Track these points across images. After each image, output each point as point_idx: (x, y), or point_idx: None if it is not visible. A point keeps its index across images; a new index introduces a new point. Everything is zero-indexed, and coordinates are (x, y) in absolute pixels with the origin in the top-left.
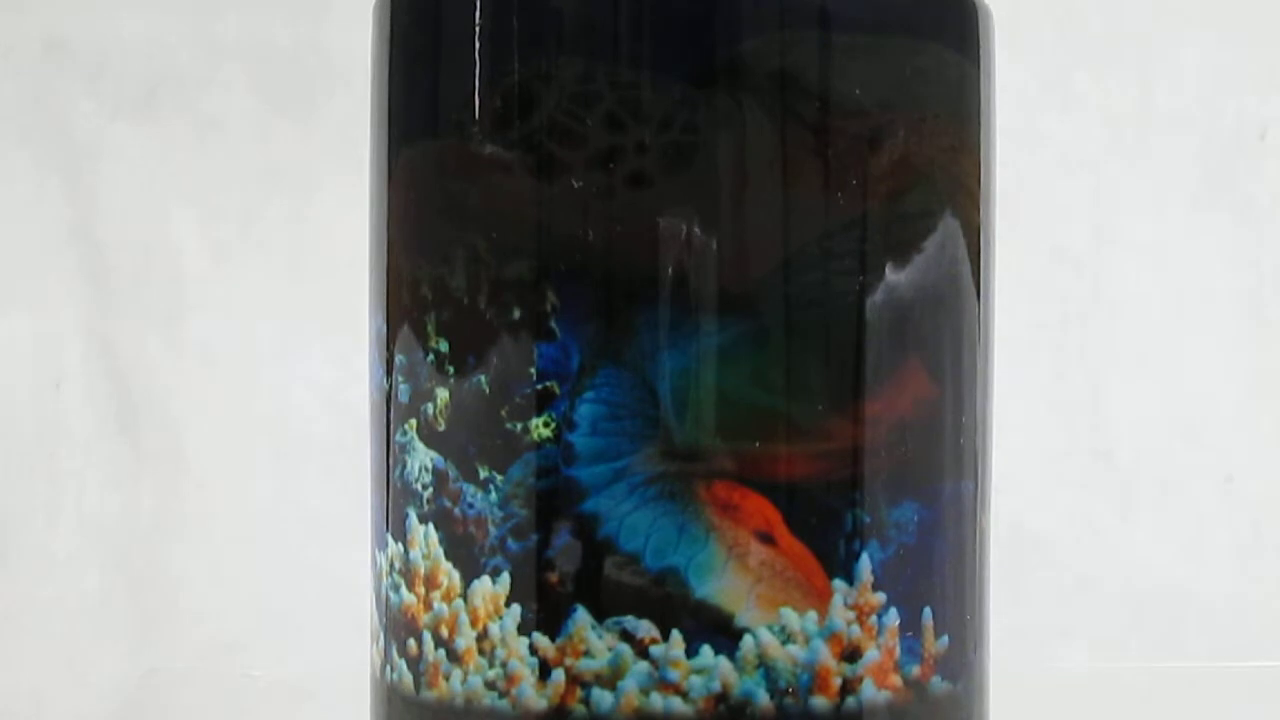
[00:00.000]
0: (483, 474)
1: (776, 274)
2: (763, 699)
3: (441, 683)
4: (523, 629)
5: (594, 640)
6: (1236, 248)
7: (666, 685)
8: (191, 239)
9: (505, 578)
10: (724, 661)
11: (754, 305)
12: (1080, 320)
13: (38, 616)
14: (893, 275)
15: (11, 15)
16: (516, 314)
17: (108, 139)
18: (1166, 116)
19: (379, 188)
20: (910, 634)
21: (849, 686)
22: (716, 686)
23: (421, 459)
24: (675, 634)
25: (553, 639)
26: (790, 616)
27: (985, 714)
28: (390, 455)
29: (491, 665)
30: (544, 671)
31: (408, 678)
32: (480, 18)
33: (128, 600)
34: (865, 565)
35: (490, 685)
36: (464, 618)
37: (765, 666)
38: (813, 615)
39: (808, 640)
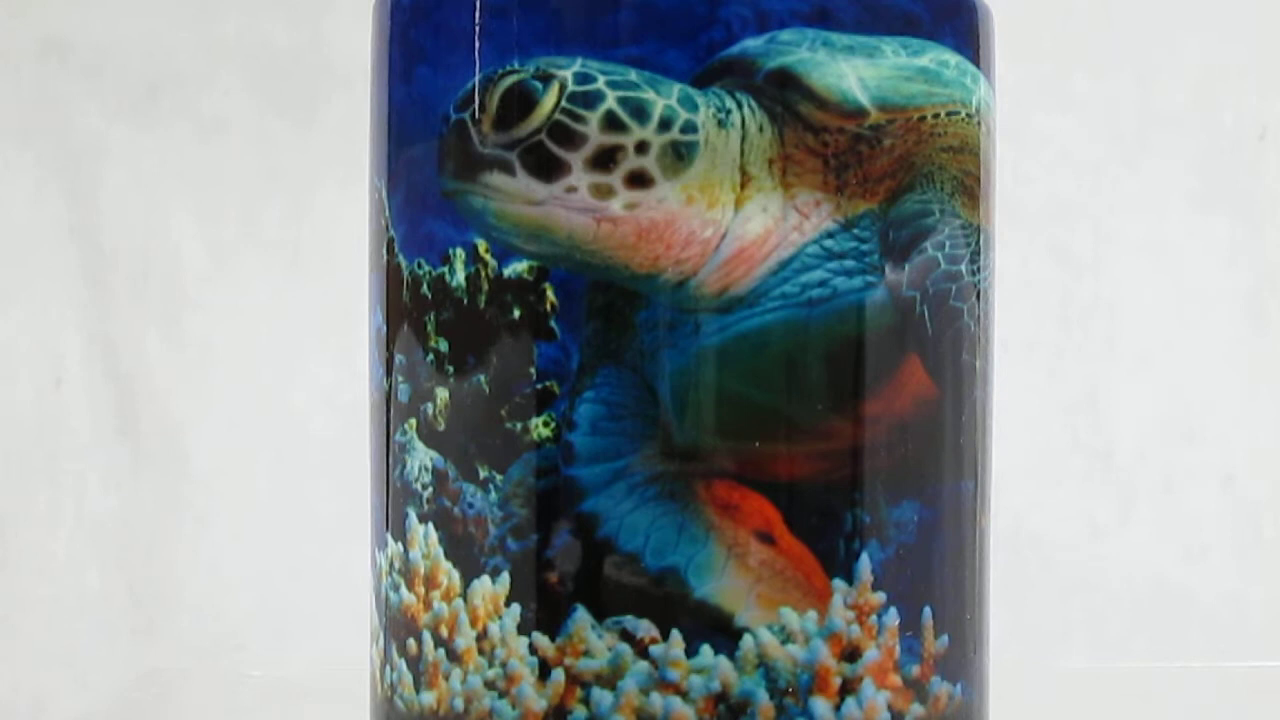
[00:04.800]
0: (482, 474)
1: (776, 274)
2: (763, 699)
3: (441, 682)
4: (522, 629)
5: (594, 640)
6: (1236, 248)
7: (666, 685)
8: (191, 239)
9: (505, 577)
10: (724, 661)
11: (754, 305)
12: (1080, 320)
13: (38, 616)
14: (893, 275)
15: (11, 15)
16: (516, 314)
17: (108, 139)
18: (1166, 116)
19: (379, 188)
20: (910, 634)
21: (849, 686)
22: (716, 686)
23: (421, 459)
24: (675, 634)
25: (552, 639)
26: (790, 616)
27: (985, 714)
28: (390, 455)
29: (491, 665)
30: (544, 671)
31: (407, 677)
32: (480, 17)
33: (128, 600)
34: (865, 565)
35: (490, 685)
36: (464, 617)
37: (765, 666)
38: (813, 615)
39: (808, 640)
